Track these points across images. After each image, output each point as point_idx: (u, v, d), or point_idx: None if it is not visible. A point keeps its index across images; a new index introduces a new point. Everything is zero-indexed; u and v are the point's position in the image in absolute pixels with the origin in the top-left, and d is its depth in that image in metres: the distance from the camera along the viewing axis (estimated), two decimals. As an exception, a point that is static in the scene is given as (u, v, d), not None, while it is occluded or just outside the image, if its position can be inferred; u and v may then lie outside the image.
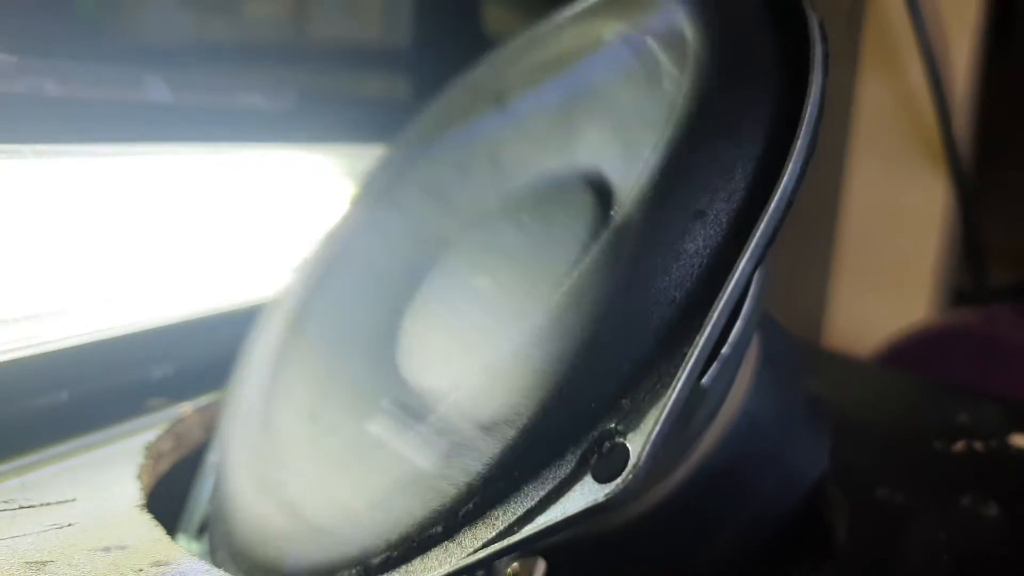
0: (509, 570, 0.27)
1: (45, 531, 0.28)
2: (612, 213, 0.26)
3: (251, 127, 0.48)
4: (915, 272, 0.96)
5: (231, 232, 0.49)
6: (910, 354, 0.71)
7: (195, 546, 0.36)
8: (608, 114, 0.34)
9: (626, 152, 0.31)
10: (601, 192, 0.31)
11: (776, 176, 0.24)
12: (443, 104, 0.41)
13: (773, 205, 0.23)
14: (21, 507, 0.30)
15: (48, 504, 0.30)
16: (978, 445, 0.43)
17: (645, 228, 0.23)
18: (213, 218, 0.48)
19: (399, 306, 0.35)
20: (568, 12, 0.37)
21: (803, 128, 0.24)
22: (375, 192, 0.40)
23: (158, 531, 0.29)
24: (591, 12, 0.36)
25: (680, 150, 0.24)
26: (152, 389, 0.43)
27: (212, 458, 0.39)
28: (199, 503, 0.38)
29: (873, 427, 0.47)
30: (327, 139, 0.53)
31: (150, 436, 0.38)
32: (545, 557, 0.28)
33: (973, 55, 0.89)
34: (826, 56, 0.26)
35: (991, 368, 0.65)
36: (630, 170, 0.29)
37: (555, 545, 0.26)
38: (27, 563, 0.26)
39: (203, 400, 0.42)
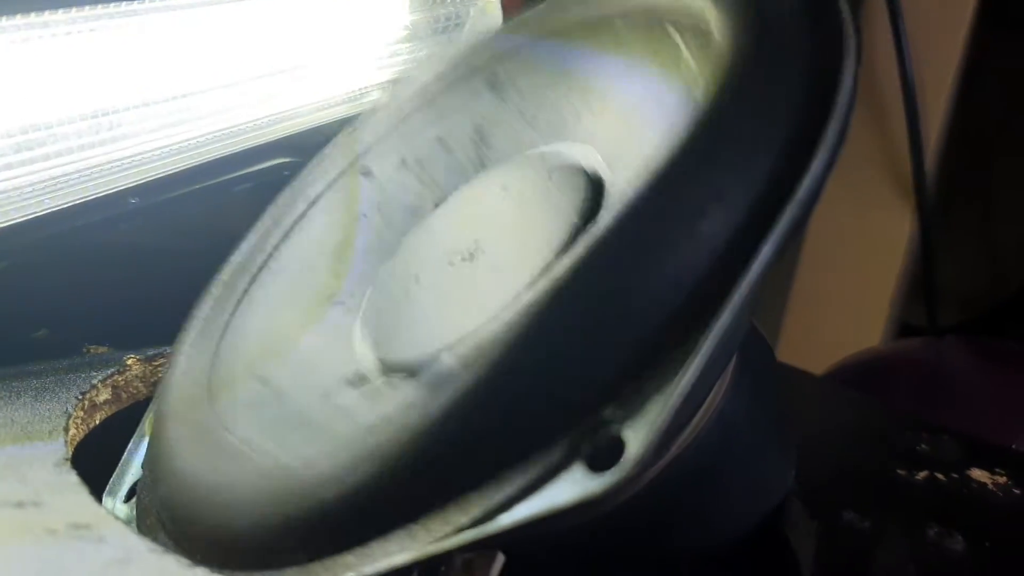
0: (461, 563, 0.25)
1: (-50, 477, 0.25)
2: (611, 189, 0.25)
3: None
4: (871, 300, 0.97)
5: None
6: (858, 378, 0.71)
7: (122, 510, 0.33)
8: (611, 98, 0.32)
9: (630, 137, 0.30)
10: (591, 172, 0.29)
11: (802, 167, 0.22)
12: (431, 77, 0.39)
13: (801, 193, 0.21)
14: (-74, 447, 0.27)
15: (-43, 447, 0.27)
16: (940, 476, 0.42)
17: (658, 203, 0.21)
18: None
19: (365, 273, 0.33)
20: None
21: (836, 113, 0.22)
22: (347, 156, 0.38)
23: (80, 490, 0.26)
24: None
25: (700, 129, 0.23)
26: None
27: (149, 418, 0.36)
28: (131, 466, 0.35)
29: (835, 447, 0.46)
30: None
31: (84, 382, 0.35)
32: (504, 551, 0.26)
33: (947, 106, 0.91)
34: (859, 48, 0.25)
35: (936, 399, 0.66)
36: (628, 154, 0.28)
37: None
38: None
39: (150, 352, 0.39)
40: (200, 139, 0.40)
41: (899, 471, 0.42)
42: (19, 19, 0.30)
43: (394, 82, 0.47)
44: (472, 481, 0.21)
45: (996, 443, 0.46)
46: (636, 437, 0.19)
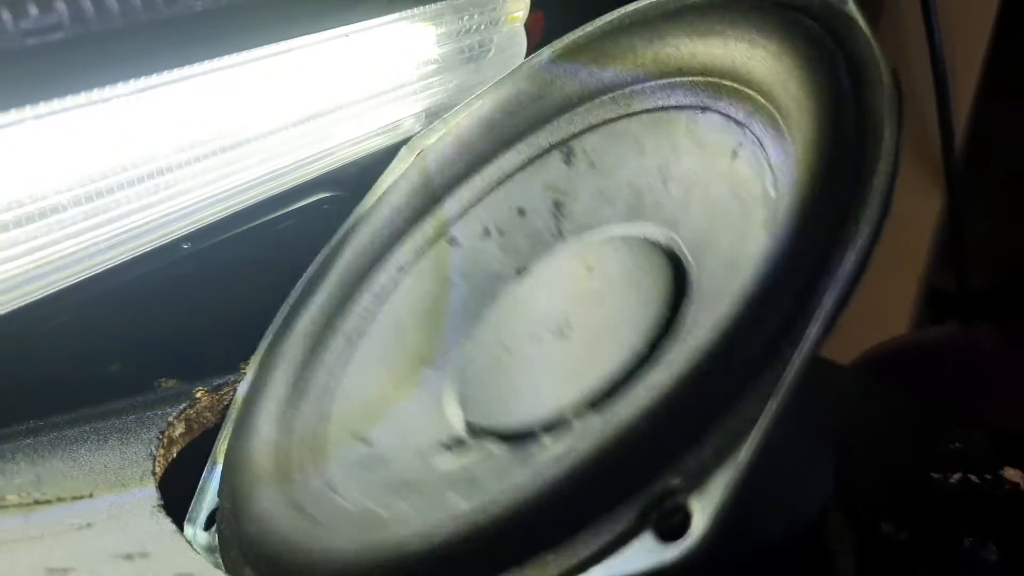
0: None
1: (63, 532, 0.27)
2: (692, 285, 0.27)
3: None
4: (902, 275, 0.97)
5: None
6: (889, 367, 0.72)
7: (203, 537, 0.36)
8: (687, 182, 0.34)
9: (711, 227, 0.32)
10: (675, 261, 0.31)
11: (850, 234, 0.23)
12: (495, 134, 0.40)
13: (847, 270, 0.23)
14: (37, 501, 0.29)
15: (63, 499, 0.29)
16: (974, 478, 0.43)
17: (733, 312, 0.23)
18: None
19: (454, 337, 0.36)
20: (638, 44, 0.36)
21: (874, 196, 0.23)
22: (433, 226, 0.40)
23: (178, 538, 0.29)
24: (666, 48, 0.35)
25: (780, 253, 0.24)
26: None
27: (221, 445, 0.38)
28: (207, 493, 0.37)
29: (869, 448, 0.47)
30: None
31: (161, 420, 0.38)
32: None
33: (979, 67, 0.90)
34: (900, 113, 0.26)
35: (970, 390, 0.66)
36: (711, 247, 0.30)
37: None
38: (49, 570, 0.25)
39: (215, 381, 0.42)
40: (247, 184, 0.42)
41: (934, 474, 0.44)
42: (83, 96, 0.32)
43: (431, 113, 0.48)
44: (550, 543, 0.23)
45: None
46: (702, 509, 0.21)
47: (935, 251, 0.97)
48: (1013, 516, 0.40)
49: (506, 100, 0.41)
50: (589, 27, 0.40)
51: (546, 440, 0.29)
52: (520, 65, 0.42)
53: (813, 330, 0.22)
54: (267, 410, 0.36)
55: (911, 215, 0.95)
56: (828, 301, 0.22)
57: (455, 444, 0.32)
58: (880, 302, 0.95)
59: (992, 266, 1.03)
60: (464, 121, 0.43)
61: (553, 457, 0.24)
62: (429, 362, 0.37)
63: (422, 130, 0.47)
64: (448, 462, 0.31)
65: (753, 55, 0.31)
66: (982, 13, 0.86)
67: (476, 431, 0.33)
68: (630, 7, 0.38)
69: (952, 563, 0.36)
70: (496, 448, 0.31)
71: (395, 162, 0.47)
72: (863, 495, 0.41)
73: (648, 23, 0.37)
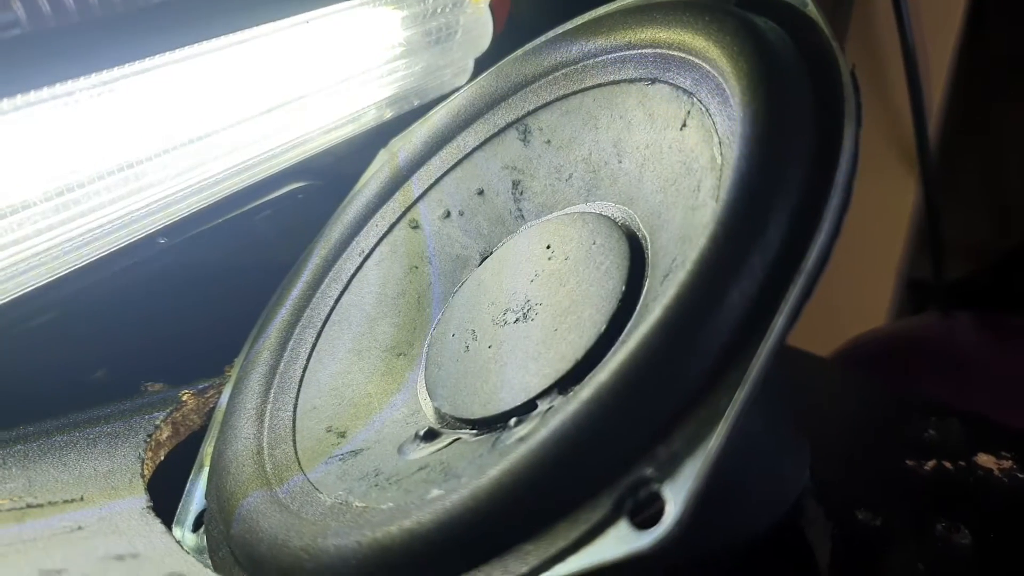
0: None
1: (55, 535, 0.28)
2: (647, 261, 0.27)
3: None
4: (880, 266, 0.99)
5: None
6: (868, 358, 0.73)
7: (191, 539, 0.36)
8: (641, 158, 0.34)
9: (664, 203, 0.32)
10: (632, 237, 0.31)
11: (812, 228, 0.24)
12: (459, 122, 0.41)
13: (810, 264, 0.23)
14: (29, 505, 0.29)
15: (55, 503, 0.30)
16: (947, 464, 0.44)
17: (688, 280, 0.24)
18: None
19: (422, 324, 0.36)
20: (594, 28, 0.37)
21: (836, 190, 0.24)
22: (395, 210, 0.40)
23: (168, 538, 0.29)
24: (621, 41, 0.36)
25: (727, 217, 0.25)
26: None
27: (207, 448, 0.39)
28: (194, 496, 0.38)
29: (846, 437, 0.48)
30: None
31: (148, 423, 0.38)
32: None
33: (950, 60, 0.92)
34: (859, 108, 0.27)
35: (947, 379, 0.68)
36: (665, 222, 0.30)
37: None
38: (42, 571, 0.26)
39: (200, 385, 0.42)
40: (218, 176, 0.42)
41: (908, 462, 0.45)
42: (45, 91, 0.32)
43: (400, 98, 0.48)
44: (529, 533, 0.23)
45: (1007, 421, 0.48)
46: (674, 498, 0.21)
47: (913, 242, 0.99)
48: (986, 501, 0.41)
49: (475, 94, 0.42)
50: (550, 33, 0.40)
51: (516, 426, 0.30)
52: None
53: (778, 321, 0.23)
54: (246, 408, 0.36)
55: (888, 207, 0.97)
56: (791, 294, 0.23)
57: (429, 434, 0.32)
58: (859, 293, 0.96)
59: (970, 255, 1.05)
60: (436, 115, 0.44)
61: (524, 443, 0.24)
62: (400, 351, 0.37)
63: (401, 133, 0.48)
64: (423, 452, 0.32)
65: (708, 39, 0.31)
66: (952, 7, 0.88)
67: (448, 420, 0.33)
68: (592, 13, 0.39)
69: (925, 549, 0.37)
70: (469, 436, 0.32)
71: (372, 164, 0.48)
72: (839, 483, 0.42)
73: (607, 17, 0.37)
